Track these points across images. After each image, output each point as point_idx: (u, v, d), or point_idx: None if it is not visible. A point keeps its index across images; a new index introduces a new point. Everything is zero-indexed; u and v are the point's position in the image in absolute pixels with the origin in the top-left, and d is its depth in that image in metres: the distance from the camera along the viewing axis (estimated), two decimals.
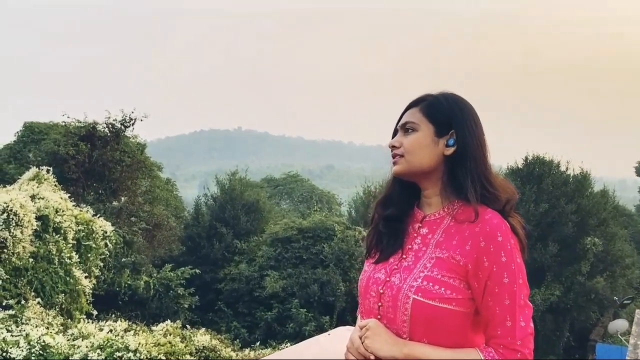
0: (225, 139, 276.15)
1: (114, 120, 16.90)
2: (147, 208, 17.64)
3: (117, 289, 13.88)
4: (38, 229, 9.98)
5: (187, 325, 11.52)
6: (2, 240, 9.03)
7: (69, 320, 9.76)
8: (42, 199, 10.48)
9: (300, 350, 2.54)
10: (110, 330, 8.37)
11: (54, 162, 15.16)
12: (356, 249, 17.28)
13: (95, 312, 11.16)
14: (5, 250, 9.16)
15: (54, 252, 10.20)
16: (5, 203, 9.17)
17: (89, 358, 7.09)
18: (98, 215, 12.90)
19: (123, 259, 14.76)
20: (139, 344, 7.52)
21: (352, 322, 1.62)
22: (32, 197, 10.36)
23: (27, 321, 8.29)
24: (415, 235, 1.41)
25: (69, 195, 12.11)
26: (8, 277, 9.21)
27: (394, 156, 1.42)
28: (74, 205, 11.78)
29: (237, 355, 9.85)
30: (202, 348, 9.00)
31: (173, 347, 8.07)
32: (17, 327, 7.86)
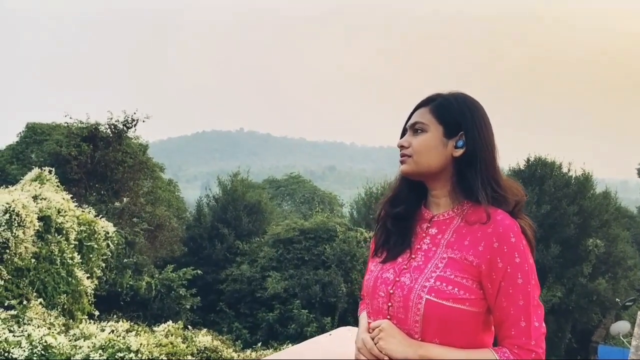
0: (227, 140, 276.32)
1: (116, 121, 16.94)
2: (149, 209, 17.66)
3: (119, 289, 13.90)
4: (40, 229, 10.00)
5: (189, 326, 11.52)
6: (4, 240, 9.05)
7: (71, 320, 9.78)
8: (45, 199, 10.51)
9: (301, 350, 2.55)
10: (112, 331, 8.38)
11: (57, 162, 15.20)
12: (358, 250, 17.28)
13: (97, 313, 11.18)
14: (8, 251, 9.18)
15: (56, 253, 10.22)
16: (7, 203, 9.19)
17: (90, 358, 7.10)
18: (100, 216, 12.92)
19: (125, 260, 14.78)
20: (141, 344, 7.53)
21: (354, 323, 1.61)
22: (35, 198, 10.38)
23: (29, 321, 8.30)
24: (424, 235, 1.40)
25: (71, 196, 12.13)
26: (10, 277, 9.23)
27: (402, 156, 1.42)
28: (76, 206, 11.80)
29: (238, 356, 9.85)
30: (203, 349, 9.00)
31: (174, 348, 8.08)
32: (19, 327, 7.88)
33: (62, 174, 14.23)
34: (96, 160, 16.43)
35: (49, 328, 8.12)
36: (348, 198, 33.33)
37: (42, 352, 6.99)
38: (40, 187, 11.11)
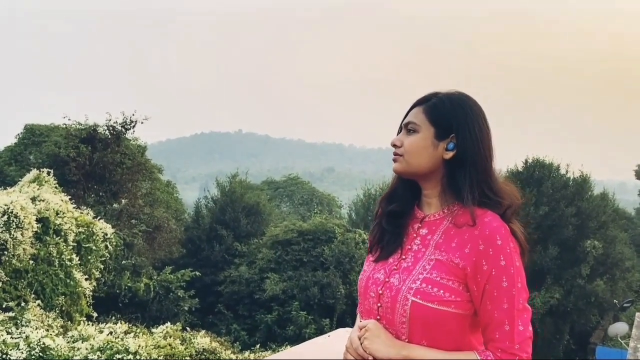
0: (225, 141, 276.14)
1: (114, 122, 16.94)
2: (148, 210, 17.65)
3: (117, 291, 13.89)
4: (38, 231, 9.99)
5: (187, 328, 11.51)
6: (2, 242, 9.04)
7: (69, 322, 9.77)
8: (43, 201, 10.50)
9: (299, 352, 2.55)
10: (110, 333, 8.37)
11: (55, 164, 15.19)
12: (356, 252, 17.28)
13: (95, 314, 11.16)
14: (6, 253, 9.17)
15: (54, 254, 10.21)
16: (5, 205, 9.19)
17: None
18: (98, 217, 12.91)
19: (123, 261, 14.76)
20: (139, 346, 7.52)
21: (352, 325, 1.62)
22: (33, 199, 10.37)
23: (27, 323, 8.29)
24: (415, 235, 1.41)
25: (70, 197, 12.13)
26: (8, 279, 9.22)
27: (394, 154, 1.42)
28: (74, 208, 11.80)
29: (237, 357, 9.84)
30: (202, 350, 8.99)
31: (173, 350, 8.07)
32: (17, 329, 7.87)
33: (60, 176, 14.22)
34: (94, 162, 16.42)
35: (47, 330, 8.12)
36: (347, 199, 33.35)
37: (40, 354, 6.98)
38: (38, 189, 11.10)
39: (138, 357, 7.27)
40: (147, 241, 16.96)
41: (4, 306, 8.71)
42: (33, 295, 9.47)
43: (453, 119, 1.37)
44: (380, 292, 1.37)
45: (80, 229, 11.35)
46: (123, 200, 16.57)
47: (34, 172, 12.38)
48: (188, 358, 8.12)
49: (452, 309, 1.28)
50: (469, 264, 1.28)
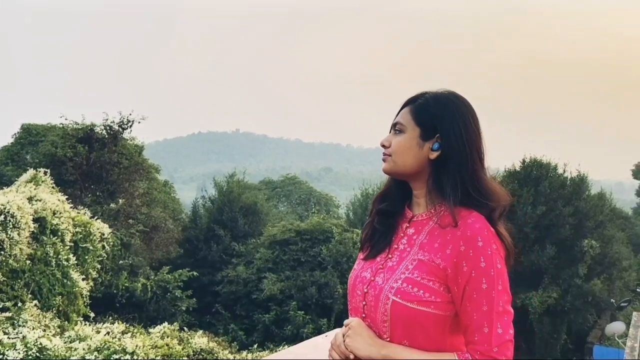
0: (223, 141, 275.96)
1: (111, 122, 16.91)
2: (145, 210, 17.63)
3: (115, 291, 13.87)
4: (35, 231, 9.96)
5: (185, 328, 11.51)
6: None
7: (66, 322, 9.75)
8: (40, 200, 10.47)
9: (297, 352, 2.55)
10: (108, 333, 8.36)
11: (52, 164, 15.15)
12: (354, 251, 17.28)
13: (92, 315, 11.14)
14: (2, 252, 9.14)
15: (51, 254, 10.19)
16: (2, 205, 9.16)
17: None
18: (95, 217, 12.89)
19: (120, 261, 14.75)
20: (136, 346, 7.51)
21: None
22: (30, 199, 10.34)
23: (24, 323, 8.27)
24: (403, 235, 1.41)
25: (67, 197, 12.10)
26: (5, 279, 9.19)
27: (383, 154, 1.44)
28: (71, 207, 11.77)
29: (234, 357, 9.84)
30: (199, 350, 8.99)
31: (170, 350, 8.06)
32: (14, 329, 7.85)
33: (57, 175, 14.19)
34: (92, 162, 16.39)
35: (44, 330, 8.10)
36: (344, 199, 33.36)
37: (37, 354, 6.96)
38: (35, 189, 11.07)
39: (135, 357, 7.26)
40: (145, 241, 16.95)
41: (0, 306, 8.69)
42: (30, 296, 9.45)
43: (437, 119, 1.37)
44: (366, 290, 1.38)
45: (78, 229, 11.33)
46: (120, 200, 16.55)
47: (30, 172, 12.35)
48: (185, 358, 8.11)
49: (432, 310, 1.28)
50: (449, 265, 1.28)
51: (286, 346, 12.61)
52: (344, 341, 1.36)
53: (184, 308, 15.63)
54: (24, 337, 7.25)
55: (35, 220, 9.94)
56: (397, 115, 1.45)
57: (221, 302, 18.15)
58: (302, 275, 17.33)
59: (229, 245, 20.03)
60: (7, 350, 6.79)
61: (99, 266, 12.28)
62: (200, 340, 9.37)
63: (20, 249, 9.43)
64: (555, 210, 19.19)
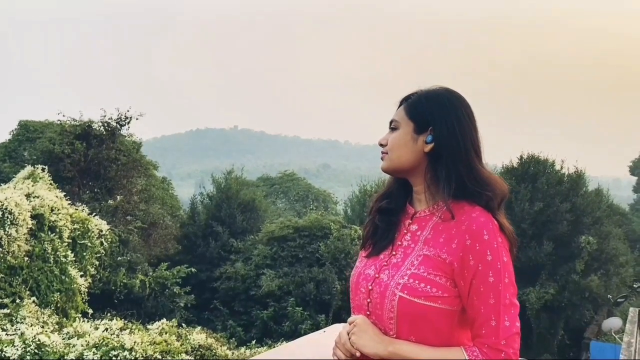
0: (221, 137, 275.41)
1: (109, 118, 16.87)
2: (143, 207, 17.62)
3: (113, 287, 13.87)
4: (33, 227, 9.96)
5: (183, 324, 11.52)
6: None
7: (65, 319, 9.75)
8: (38, 197, 10.46)
9: (295, 348, 2.56)
10: (106, 329, 8.37)
11: (49, 160, 15.12)
12: (352, 248, 17.30)
13: (90, 311, 11.16)
14: (0, 249, 9.14)
15: (49, 251, 10.19)
16: (0, 202, 9.15)
17: (84, 357, 7.08)
18: (93, 214, 12.88)
19: (119, 258, 14.75)
20: (135, 342, 7.52)
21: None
22: (27, 196, 10.33)
23: (22, 320, 8.28)
24: (406, 231, 1.42)
25: (65, 193, 12.09)
26: (3, 275, 9.19)
27: (381, 153, 1.45)
28: (69, 204, 11.76)
29: (232, 353, 9.86)
30: (197, 347, 9.01)
31: (169, 346, 8.08)
32: (12, 326, 7.86)
33: (55, 172, 14.17)
34: (89, 158, 16.36)
35: (43, 326, 8.11)
36: (342, 196, 33.39)
37: (36, 351, 6.97)
38: (33, 185, 11.06)
39: (134, 353, 7.27)
40: (143, 238, 16.94)
41: None
42: (28, 292, 9.45)
43: (429, 112, 1.38)
44: (370, 287, 1.38)
45: (76, 226, 11.33)
46: (118, 197, 16.54)
47: (28, 169, 12.34)
48: (184, 354, 8.13)
49: (439, 305, 1.28)
50: (455, 259, 1.29)
51: (284, 342, 12.64)
52: (349, 339, 1.35)
53: (182, 304, 15.64)
54: (22, 333, 7.26)
55: (33, 216, 9.94)
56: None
57: (219, 299, 18.17)
58: (300, 272, 17.34)
59: (227, 241, 20.03)
60: (6, 347, 6.79)
61: (97, 263, 12.28)
62: (198, 336, 9.39)
63: (18, 245, 9.42)
64: (553, 206, 19.22)
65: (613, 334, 17.65)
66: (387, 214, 1.47)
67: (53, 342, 7.19)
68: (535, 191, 19.26)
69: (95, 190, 16.87)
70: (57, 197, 11.24)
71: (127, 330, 8.46)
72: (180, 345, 8.45)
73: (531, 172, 20.05)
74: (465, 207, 1.33)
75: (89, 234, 11.68)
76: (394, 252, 1.40)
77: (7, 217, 9.19)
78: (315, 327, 14.88)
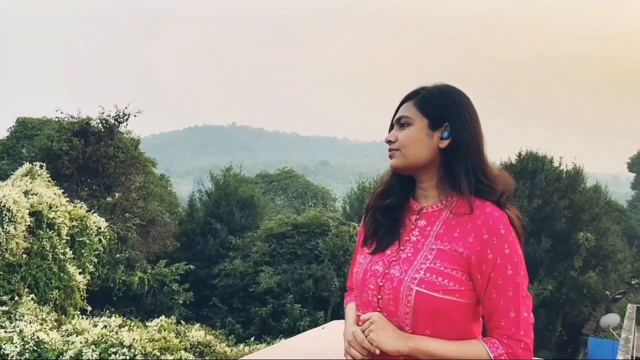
0: (219, 134, 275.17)
1: (107, 115, 16.82)
2: (141, 204, 17.59)
3: (112, 284, 13.86)
4: (31, 224, 9.95)
5: (182, 321, 11.51)
6: None
7: (63, 316, 9.75)
8: (36, 194, 10.45)
9: (294, 344, 2.56)
10: (105, 326, 8.36)
11: (48, 157, 15.08)
12: (350, 245, 17.31)
13: (89, 308, 11.15)
14: None
15: (48, 248, 10.17)
16: None
17: (83, 354, 7.08)
18: (92, 211, 12.87)
19: (117, 255, 14.73)
20: (134, 339, 7.52)
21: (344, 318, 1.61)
22: (26, 193, 10.32)
23: (21, 317, 8.27)
24: (413, 227, 1.41)
25: (63, 191, 12.07)
26: (1, 273, 9.18)
27: (390, 150, 1.43)
28: (67, 201, 11.75)
29: (231, 350, 9.86)
30: (196, 343, 9.00)
31: (167, 343, 8.08)
32: (11, 323, 7.85)
33: (53, 169, 14.14)
34: (88, 155, 16.32)
35: (41, 324, 8.10)
36: (341, 193, 33.39)
37: (34, 348, 6.97)
38: (31, 183, 11.04)
39: (132, 350, 7.27)
40: (141, 235, 16.92)
41: None
42: (27, 290, 9.44)
43: (444, 108, 1.39)
44: (381, 284, 1.36)
45: (74, 223, 11.31)
46: (116, 194, 16.51)
47: (26, 166, 12.31)
48: (182, 351, 8.12)
49: (456, 298, 1.29)
50: (473, 253, 1.30)
51: (283, 339, 12.64)
52: (366, 336, 1.33)
53: (181, 301, 15.64)
54: (21, 330, 7.26)
55: (31, 214, 9.92)
56: (396, 112, 1.45)
57: (218, 296, 18.17)
58: (298, 269, 17.35)
59: (226, 238, 20.03)
60: (4, 344, 6.79)
61: (95, 260, 12.27)
62: (197, 333, 9.38)
63: (16, 243, 9.41)
64: (551, 203, 19.25)
65: (611, 330, 17.70)
66: (390, 210, 1.46)
67: (52, 339, 7.18)
68: (534, 188, 19.28)
69: (94, 187, 16.85)
70: (55, 194, 11.22)
71: (126, 328, 8.46)
72: (179, 342, 8.45)
73: (529, 168, 20.07)
74: (476, 202, 1.34)
75: (88, 231, 11.66)
76: (402, 248, 1.39)
77: (6, 215, 9.18)
78: (314, 323, 14.90)
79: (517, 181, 19.15)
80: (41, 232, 10.17)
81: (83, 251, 11.49)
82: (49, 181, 12.14)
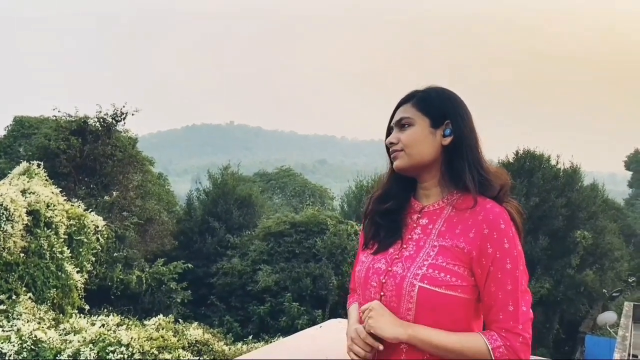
0: (217, 133, 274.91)
1: (105, 114, 16.79)
2: (139, 203, 17.57)
3: (109, 283, 13.85)
4: (29, 223, 9.93)
5: (180, 320, 11.52)
6: None
7: (61, 315, 9.74)
8: (33, 193, 10.43)
9: (292, 343, 2.56)
10: (103, 325, 8.36)
11: (45, 156, 15.05)
12: (348, 243, 17.33)
13: (87, 307, 11.14)
14: None
15: (45, 247, 10.16)
16: None
17: (81, 353, 7.08)
18: (90, 210, 12.84)
19: (115, 254, 14.72)
20: (132, 338, 7.52)
21: (344, 315, 1.61)
22: (23, 192, 10.29)
23: (19, 316, 8.27)
24: (415, 225, 1.42)
25: (60, 189, 12.04)
26: None
27: (393, 152, 1.43)
28: (65, 200, 11.72)
29: (229, 349, 9.86)
30: (194, 342, 9.01)
31: (165, 342, 8.07)
32: (9, 322, 7.85)
33: (50, 168, 14.11)
34: (85, 154, 16.30)
35: (39, 323, 8.10)
36: (339, 191, 33.39)
37: (32, 347, 6.96)
38: (28, 181, 11.02)
39: (130, 349, 7.27)
40: (139, 233, 16.91)
41: None
42: (24, 288, 9.43)
43: (444, 106, 1.41)
44: (384, 281, 1.37)
45: (71, 222, 11.29)
46: (114, 193, 16.49)
47: (23, 165, 12.28)
48: (180, 350, 8.12)
49: (459, 294, 1.30)
50: (474, 248, 1.31)
51: (281, 337, 12.65)
52: (365, 324, 1.34)
53: (178, 300, 15.64)
54: (18, 329, 7.25)
55: (28, 213, 9.90)
56: (393, 115, 1.47)
57: (216, 294, 18.17)
58: (296, 267, 17.36)
59: (224, 237, 20.02)
60: (2, 343, 6.79)
61: (93, 259, 12.25)
62: (195, 332, 9.39)
63: (14, 241, 9.40)
64: (549, 201, 19.30)
65: (608, 328, 17.76)
66: (390, 213, 1.47)
67: (49, 338, 7.18)
68: (531, 186, 19.32)
69: (91, 186, 16.82)
70: (52, 193, 11.20)
71: (124, 326, 8.46)
72: (177, 341, 8.45)
73: (527, 167, 20.12)
74: (477, 198, 1.35)
75: (85, 230, 11.64)
76: (404, 246, 1.40)
77: (3, 214, 9.16)
78: (312, 322, 14.91)
79: (514, 180, 19.07)
80: (39, 231, 10.15)
81: (81, 250, 11.47)
82: (46, 180, 12.12)
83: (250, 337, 13.55)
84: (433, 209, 1.41)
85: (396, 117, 1.45)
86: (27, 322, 7.81)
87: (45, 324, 8.15)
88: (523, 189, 18.74)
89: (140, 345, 7.46)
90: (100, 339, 7.41)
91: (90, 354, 7.04)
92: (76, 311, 10.48)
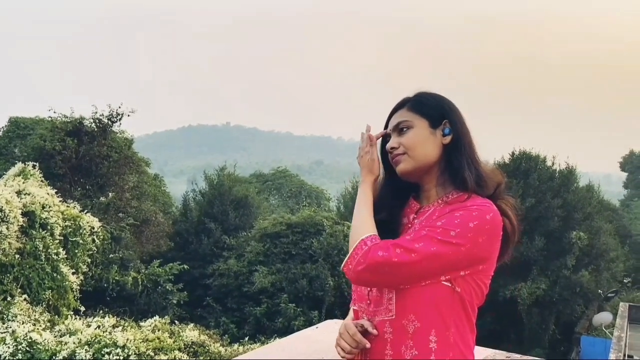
0: (213, 134, 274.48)
1: (100, 115, 16.76)
2: (135, 204, 17.53)
3: (105, 285, 13.81)
4: (24, 225, 9.89)
5: (176, 321, 11.49)
6: None
7: (56, 316, 9.71)
8: (28, 194, 10.39)
9: (288, 343, 2.56)
10: (98, 327, 8.34)
11: (40, 157, 15.00)
12: (345, 244, 17.32)
13: (82, 309, 11.10)
14: None
15: (41, 248, 10.12)
16: None
17: (76, 354, 7.06)
18: (85, 211, 12.80)
19: (111, 255, 14.68)
20: (127, 339, 7.50)
21: (341, 316, 1.61)
22: (18, 193, 10.25)
23: (14, 318, 8.23)
24: (410, 226, 1.42)
25: (56, 191, 12.00)
26: None
27: (395, 157, 1.42)
28: (60, 201, 11.68)
29: (225, 350, 9.85)
30: (190, 343, 9.00)
31: (161, 343, 8.06)
32: (4, 323, 7.81)
33: (46, 169, 14.06)
34: (81, 155, 16.25)
35: (34, 324, 8.06)
36: (335, 192, 33.39)
37: (27, 349, 6.94)
38: (24, 182, 10.97)
39: (126, 351, 7.25)
40: (135, 235, 16.86)
41: None
42: (19, 290, 9.39)
43: (440, 107, 1.43)
44: None
45: (67, 223, 11.26)
46: (110, 194, 16.44)
47: (19, 166, 12.22)
48: (177, 351, 8.11)
49: (441, 282, 1.29)
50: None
51: (277, 338, 12.64)
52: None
53: (175, 301, 15.60)
54: (13, 331, 7.22)
55: (24, 214, 9.87)
56: (389, 121, 1.47)
57: (212, 295, 18.15)
58: (293, 268, 17.35)
59: (220, 238, 20.00)
60: None
61: (89, 260, 12.22)
62: (191, 333, 9.37)
63: (9, 243, 9.36)
64: (544, 202, 19.35)
65: (604, 328, 17.83)
66: (383, 224, 1.44)
67: (45, 339, 7.15)
68: (527, 187, 19.37)
69: (87, 187, 16.77)
70: (48, 194, 11.17)
71: (120, 328, 8.44)
72: (173, 342, 8.44)
73: (523, 168, 20.17)
74: (472, 195, 1.36)
75: (81, 231, 11.61)
76: None
77: None
78: (308, 323, 14.90)
79: (510, 180, 19.26)
80: (34, 232, 10.11)
81: (76, 251, 11.44)
82: (41, 181, 12.07)
83: (247, 339, 13.53)
84: (429, 209, 1.41)
85: (393, 123, 1.45)
86: (23, 323, 7.78)
87: (40, 326, 8.12)
88: (519, 190, 18.78)
89: (136, 347, 7.45)
90: (96, 340, 7.39)
91: (85, 356, 7.01)
92: (72, 312, 10.45)
